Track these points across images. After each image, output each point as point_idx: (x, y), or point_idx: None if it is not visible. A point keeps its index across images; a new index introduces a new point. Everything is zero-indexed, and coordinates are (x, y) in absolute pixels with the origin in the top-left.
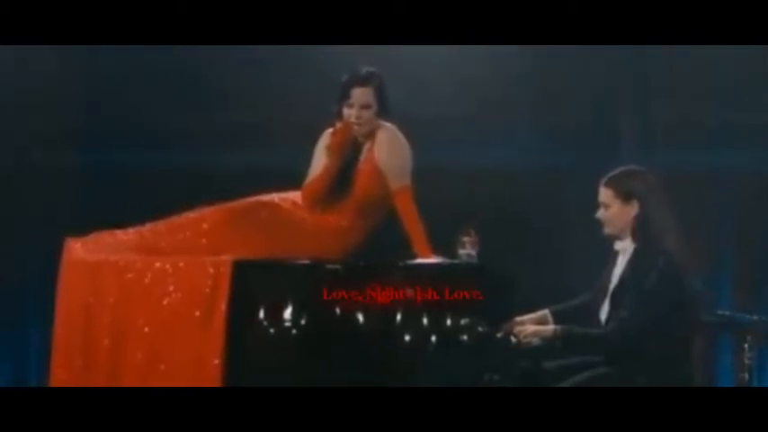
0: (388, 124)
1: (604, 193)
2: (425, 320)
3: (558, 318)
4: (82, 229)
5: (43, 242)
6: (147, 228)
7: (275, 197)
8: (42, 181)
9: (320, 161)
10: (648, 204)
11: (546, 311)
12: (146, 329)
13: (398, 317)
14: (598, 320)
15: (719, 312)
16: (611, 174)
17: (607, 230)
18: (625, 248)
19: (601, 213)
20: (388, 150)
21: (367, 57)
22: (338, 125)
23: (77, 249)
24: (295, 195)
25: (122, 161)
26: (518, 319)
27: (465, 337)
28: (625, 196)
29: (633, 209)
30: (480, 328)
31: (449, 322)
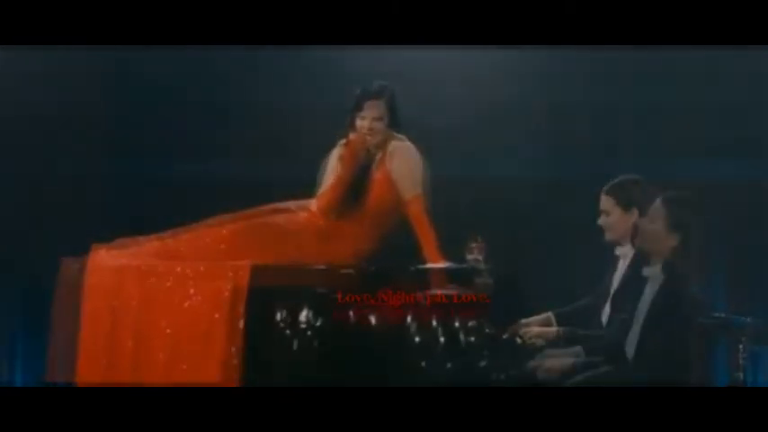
0: (401, 135)
1: (605, 201)
2: (434, 322)
3: (561, 320)
4: (109, 234)
5: (73, 247)
6: (169, 234)
7: (291, 205)
8: (72, 188)
9: (334, 171)
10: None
11: (550, 314)
12: (168, 331)
13: (409, 318)
14: (599, 322)
15: (716, 315)
16: (612, 182)
17: (608, 236)
18: (626, 253)
19: (602, 220)
20: (401, 161)
21: (380, 71)
22: (351, 136)
23: (102, 255)
24: (310, 203)
25: (148, 171)
26: (523, 321)
27: (472, 338)
28: (625, 204)
29: (632, 216)
30: (487, 330)
31: (457, 324)
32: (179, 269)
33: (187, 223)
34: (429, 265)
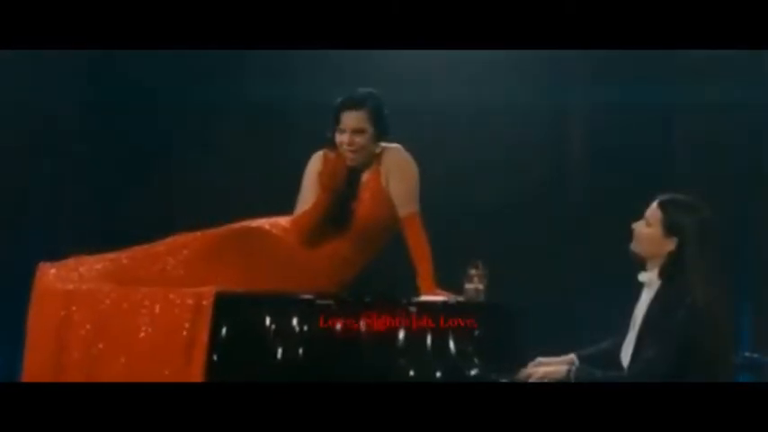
0: (394, 145)
1: (653, 212)
2: (427, 351)
3: (584, 362)
4: (89, 239)
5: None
6: (126, 255)
7: (265, 223)
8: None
9: (312, 190)
10: (689, 247)
11: (573, 355)
12: (122, 360)
13: (398, 351)
14: (618, 357)
15: (746, 354)
16: (672, 196)
17: (633, 246)
18: (650, 282)
19: (639, 225)
20: (396, 174)
21: (376, 72)
22: (330, 155)
23: (51, 276)
24: (286, 221)
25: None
26: (543, 359)
27: (463, 345)
28: (669, 228)
29: (670, 244)
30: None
31: (447, 332)
32: (134, 295)
33: (174, 229)
34: (422, 298)
